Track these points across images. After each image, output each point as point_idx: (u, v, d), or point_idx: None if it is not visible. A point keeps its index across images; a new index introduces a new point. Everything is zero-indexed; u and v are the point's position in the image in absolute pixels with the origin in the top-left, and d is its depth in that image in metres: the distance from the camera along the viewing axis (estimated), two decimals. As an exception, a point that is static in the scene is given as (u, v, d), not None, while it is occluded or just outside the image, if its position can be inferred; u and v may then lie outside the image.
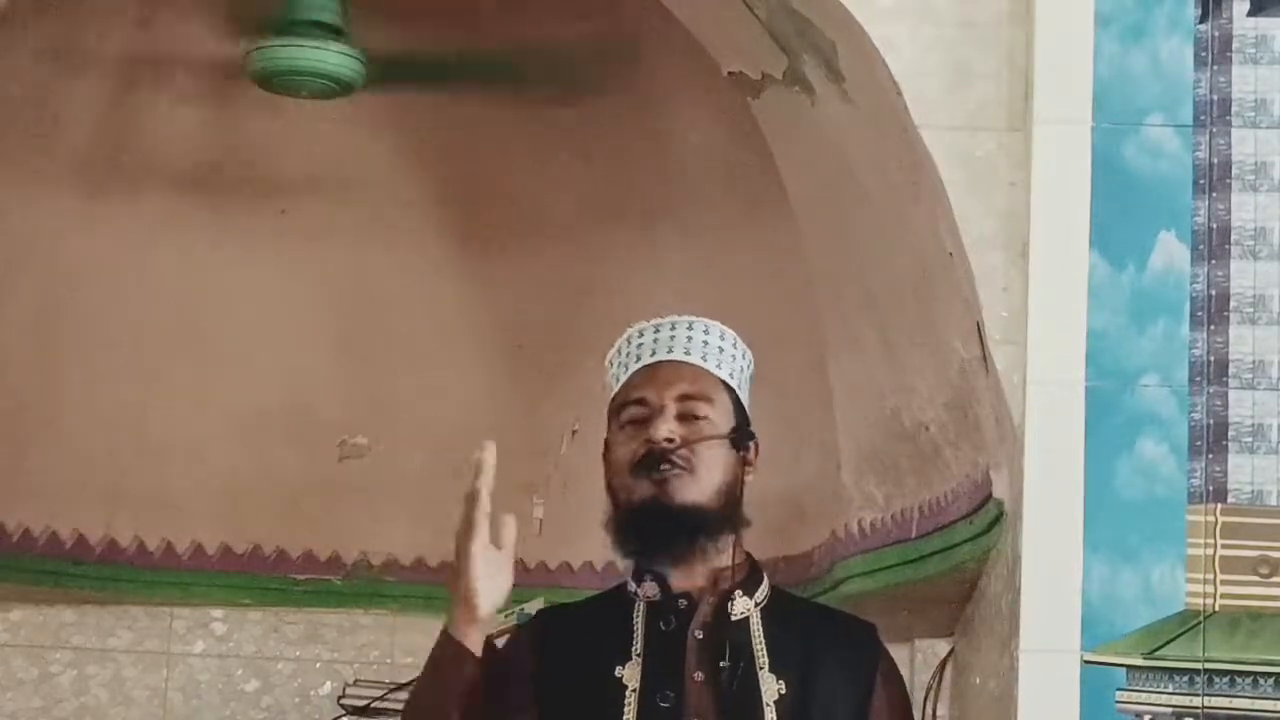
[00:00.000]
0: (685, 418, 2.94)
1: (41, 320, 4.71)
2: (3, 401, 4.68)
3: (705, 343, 3.01)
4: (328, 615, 4.95)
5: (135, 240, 4.77)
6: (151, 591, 4.90)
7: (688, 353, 3.00)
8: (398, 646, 4.90)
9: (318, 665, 4.93)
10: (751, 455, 2.98)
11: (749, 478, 2.98)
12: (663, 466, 2.91)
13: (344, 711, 4.75)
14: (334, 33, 4.34)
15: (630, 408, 2.98)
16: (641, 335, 3.04)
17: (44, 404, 4.75)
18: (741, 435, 2.96)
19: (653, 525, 2.92)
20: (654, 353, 3.01)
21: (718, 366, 3.00)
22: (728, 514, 2.93)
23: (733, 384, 3.01)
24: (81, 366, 4.78)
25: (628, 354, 3.04)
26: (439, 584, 4.88)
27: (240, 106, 4.68)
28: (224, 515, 4.91)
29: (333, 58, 4.32)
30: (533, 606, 4.46)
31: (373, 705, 4.71)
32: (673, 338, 3.02)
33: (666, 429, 2.93)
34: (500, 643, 4.50)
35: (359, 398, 4.92)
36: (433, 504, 4.92)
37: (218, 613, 4.95)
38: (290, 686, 4.92)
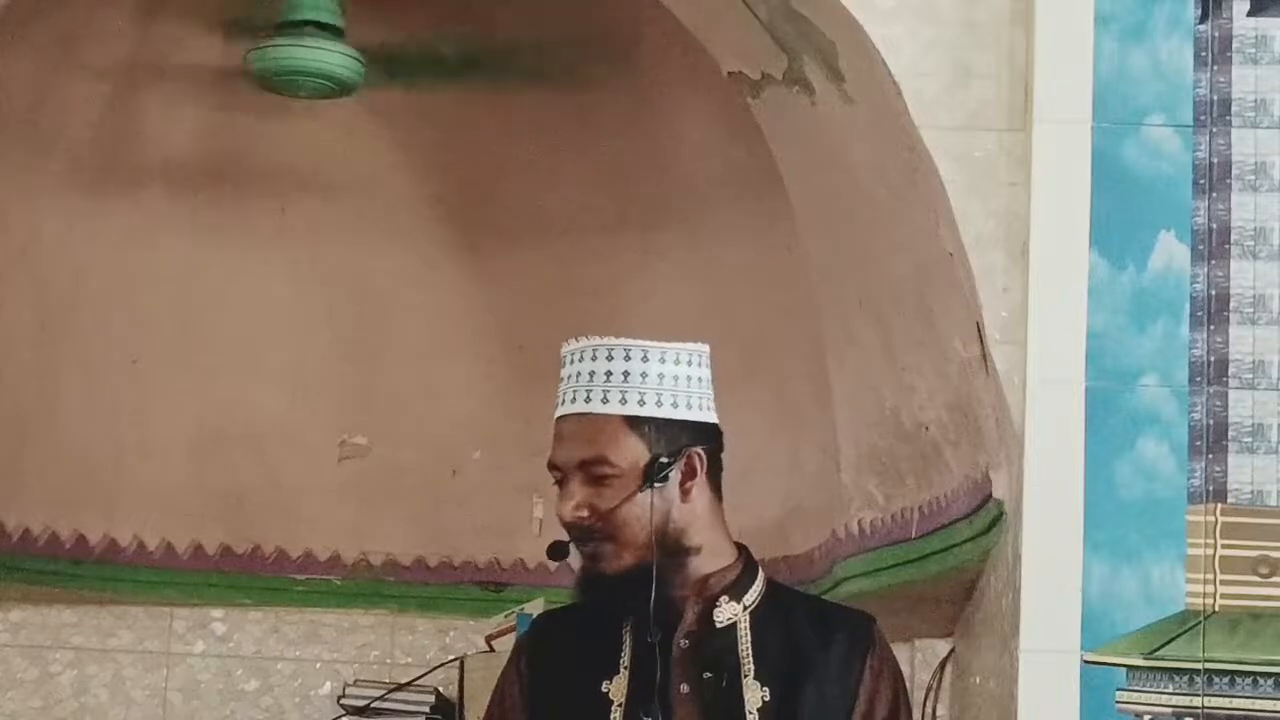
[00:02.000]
0: (592, 481, 2.86)
1: (41, 320, 4.71)
2: (3, 401, 4.67)
3: (609, 374, 2.89)
4: (327, 615, 4.95)
5: (135, 240, 4.76)
6: (151, 591, 4.90)
7: (588, 398, 2.89)
8: (398, 646, 4.90)
9: (318, 665, 4.92)
10: (697, 467, 2.85)
11: (692, 495, 2.85)
12: (588, 542, 2.87)
13: (344, 711, 4.74)
14: (334, 33, 4.34)
15: (552, 471, 2.93)
16: (564, 367, 2.95)
17: (44, 404, 4.75)
18: (655, 473, 2.83)
19: (599, 594, 2.87)
20: (563, 400, 2.93)
21: (622, 402, 2.87)
22: (673, 546, 2.84)
23: (645, 412, 2.86)
24: (81, 366, 4.77)
25: (559, 393, 2.96)
26: (438, 584, 4.96)
27: (240, 106, 4.68)
28: (224, 515, 4.91)
29: (333, 58, 4.32)
30: (533, 607, 4.48)
31: (373, 705, 4.70)
32: (577, 375, 2.91)
33: (572, 507, 2.87)
34: (499, 644, 4.53)
35: (359, 398, 4.92)
36: (433, 504, 4.93)
37: (218, 613, 4.95)
38: (290, 686, 4.92)
